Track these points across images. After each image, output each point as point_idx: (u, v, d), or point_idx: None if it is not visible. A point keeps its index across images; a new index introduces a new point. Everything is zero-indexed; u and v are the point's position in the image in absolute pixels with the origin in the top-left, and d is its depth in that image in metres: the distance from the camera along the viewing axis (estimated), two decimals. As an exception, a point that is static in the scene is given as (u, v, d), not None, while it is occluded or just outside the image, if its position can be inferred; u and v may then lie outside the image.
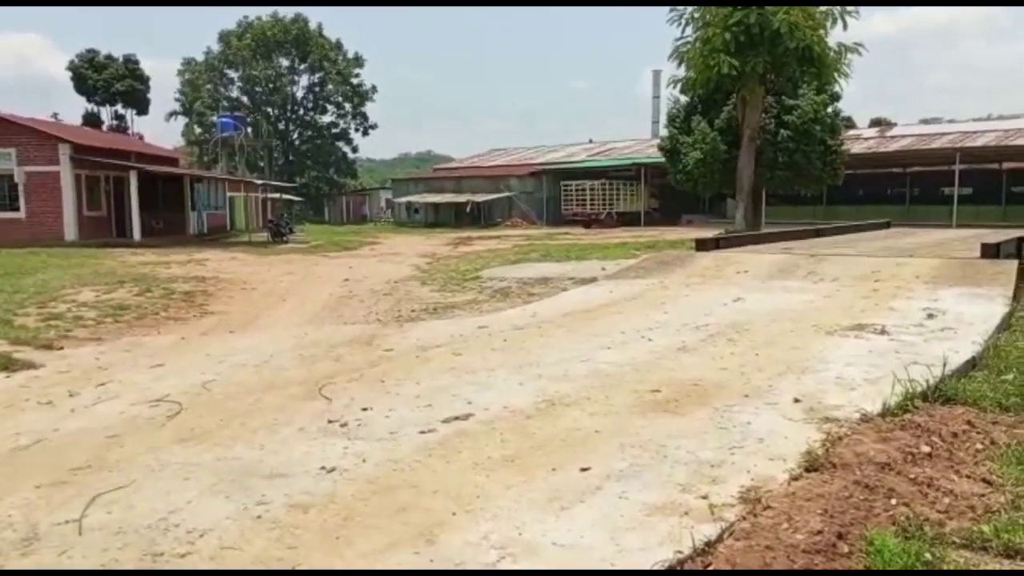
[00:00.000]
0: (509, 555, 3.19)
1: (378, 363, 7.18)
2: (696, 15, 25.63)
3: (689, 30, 25.90)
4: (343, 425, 5.11)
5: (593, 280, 13.70)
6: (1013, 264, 11.35)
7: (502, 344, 7.93)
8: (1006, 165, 38.30)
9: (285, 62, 66.99)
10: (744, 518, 3.45)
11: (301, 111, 68.85)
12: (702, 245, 15.64)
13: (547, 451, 4.49)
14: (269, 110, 67.52)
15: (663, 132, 35.28)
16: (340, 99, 68.01)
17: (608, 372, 6.43)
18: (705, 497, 3.71)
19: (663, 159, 32.78)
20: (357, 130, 69.42)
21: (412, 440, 4.76)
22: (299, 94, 68.33)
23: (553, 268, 16.84)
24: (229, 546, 3.34)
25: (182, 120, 67.50)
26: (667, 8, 26.13)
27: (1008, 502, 3.70)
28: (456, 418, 5.18)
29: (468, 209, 47.86)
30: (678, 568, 3.06)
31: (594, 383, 6.07)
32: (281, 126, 68.21)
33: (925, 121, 52.25)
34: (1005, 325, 8.14)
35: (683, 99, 30.70)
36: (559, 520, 3.52)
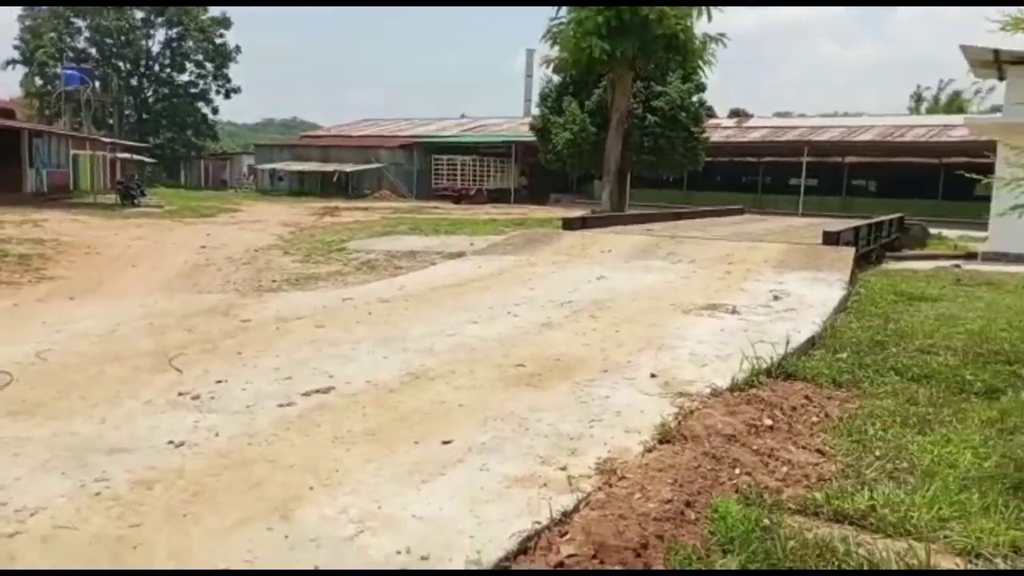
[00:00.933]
0: (368, 529, 3.14)
1: (235, 334, 6.89)
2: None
3: (564, 10, 26.21)
4: (195, 398, 4.87)
5: (461, 255, 13.71)
6: (851, 251, 12.22)
7: (367, 317, 7.80)
8: (848, 159, 41.17)
9: (140, 14, 62.68)
10: (600, 489, 3.55)
11: (157, 67, 64.69)
12: (569, 224, 15.94)
13: (410, 424, 4.45)
14: (121, 64, 63.11)
15: (535, 111, 35.61)
16: (200, 57, 64.40)
17: (474, 346, 6.45)
18: (564, 469, 3.79)
19: (534, 138, 33.13)
20: (219, 92, 66.02)
21: (269, 414, 4.60)
22: (155, 49, 64.21)
23: (421, 242, 16.72)
24: (63, 525, 3.12)
25: (21, 70, 62.02)
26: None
27: (838, 471, 3.99)
28: (317, 391, 5.05)
29: (335, 179, 46.66)
30: (533, 534, 3.10)
31: (460, 357, 6.07)
32: (134, 82, 63.92)
33: (779, 114, 55.24)
34: (842, 307, 8.77)
35: (556, 79, 31.07)
36: (420, 493, 3.50)
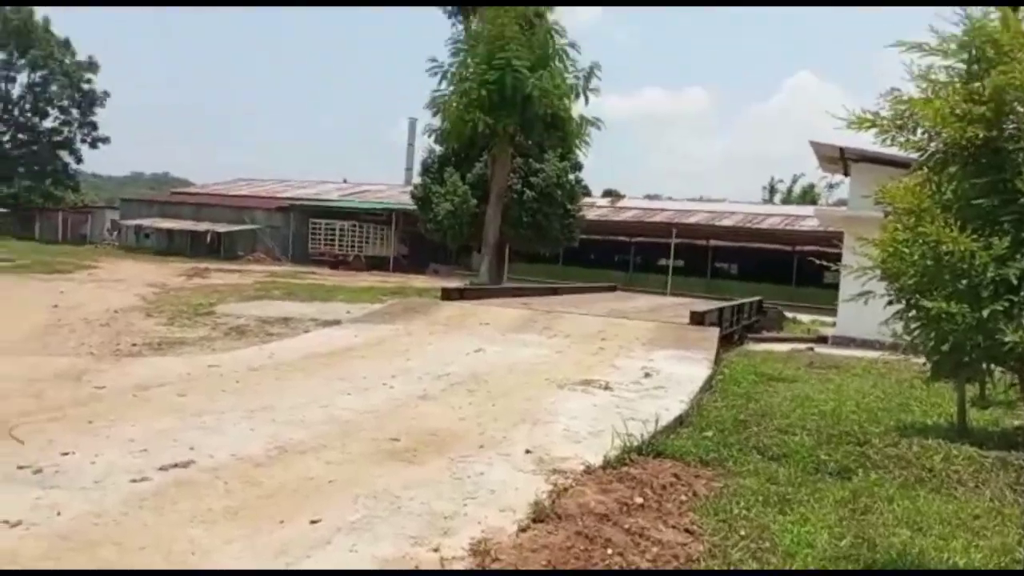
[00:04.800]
0: (225, 619, 2.94)
1: (87, 402, 6.43)
2: (454, 70, 26.61)
3: (446, 83, 26.78)
4: (36, 471, 4.49)
5: (337, 323, 13.42)
6: (715, 332, 12.80)
7: (234, 386, 7.47)
8: (712, 242, 43.46)
9: (0, 55, 59.30)
10: (473, 571, 3.48)
11: (17, 112, 61.06)
12: (447, 294, 15.96)
13: (276, 502, 4.25)
14: (-24, 109, 59.16)
15: (416, 180, 35.90)
16: (66, 103, 61.27)
17: (347, 419, 6.28)
18: (436, 550, 3.70)
19: (415, 206, 33.30)
20: (84, 140, 62.79)
21: (121, 489, 4.28)
22: (15, 92, 60.65)
23: (296, 308, 16.28)
24: None
25: None
26: (427, 60, 26.86)
27: (706, 551, 4.08)
28: (175, 465, 4.76)
29: (208, 239, 45.01)
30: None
31: (331, 430, 5.88)
32: (-10, 127, 59.96)
33: (649, 196, 57.92)
34: (707, 386, 9.11)
35: (438, 150, 31.55)
36: (284, 578, 3.32)
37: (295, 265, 40.28)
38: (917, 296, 6.00)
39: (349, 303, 17.73)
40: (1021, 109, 5.64)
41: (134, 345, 10.66)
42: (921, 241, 5.83)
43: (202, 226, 45.65)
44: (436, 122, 28.03)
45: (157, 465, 4.72)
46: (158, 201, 53.43)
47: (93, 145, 62.86)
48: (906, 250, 6.02)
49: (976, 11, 5.59)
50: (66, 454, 4.83)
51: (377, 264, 41.79)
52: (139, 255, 41.32)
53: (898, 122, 5.97)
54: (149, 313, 14.49)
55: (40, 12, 58.63)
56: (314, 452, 5.25)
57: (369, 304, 17.12)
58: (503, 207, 28.19)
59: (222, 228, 45.25)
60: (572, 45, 27.41)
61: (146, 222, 48.21)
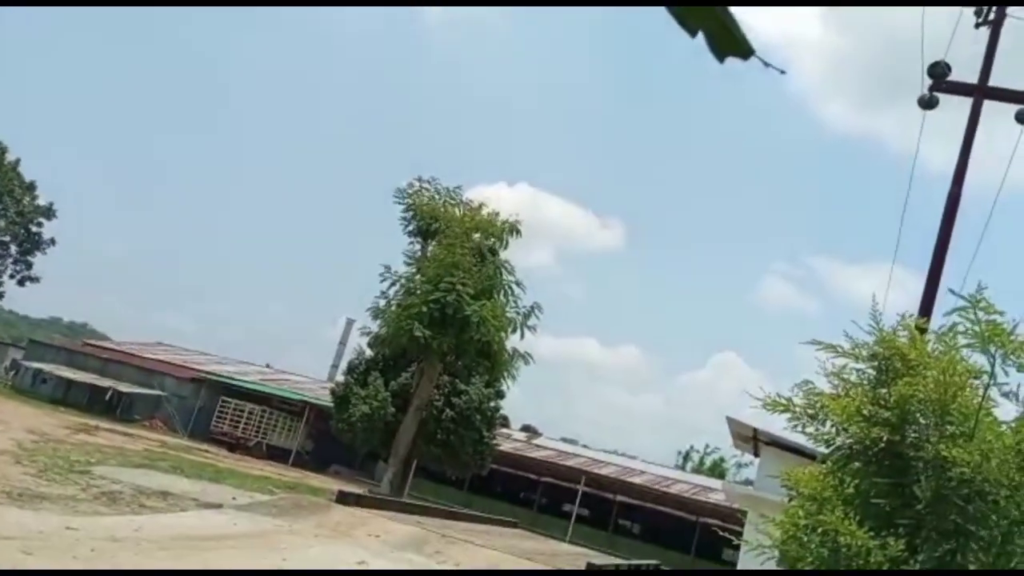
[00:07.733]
0: None
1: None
2: (403, 282, 27.31)
3: (394, 289, 27.33)
4: None
5: (219, 507, 12.60)
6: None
7: (87, 554, 6.80)
8: (618, 497, 43.02)
9: (-38, 197, 58.63)
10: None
11: (-47, 242, 59.41)
12: (343, 498, 15.23)
13: None
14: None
15: (339, 378, 35.49)
16: (7, 239, 60.07)
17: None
18: None
19: (331, 404, 32.64)
20: (13, 276, 60.93)
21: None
22: (-40, 228, 59.25)
23: (179, 483, 15.30)
24: None
25: None
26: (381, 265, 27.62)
27: None
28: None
29: (108, 396, 42.85)
30: None
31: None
32: (-89, 249, 57.96)
33: (565, 440, 57.92)
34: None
35: (368, 353, 31.53)
36: None
37: (192, 440, 38.34)
38: (814, 584, 5.95)
39: (237, 489, 16.77)
40: (923, 420, 5.98)
41: (-10, 490, 9.76)
42: (821, 529, 5.89)
43: (105, 382, 43.57)
44: (374, 326, 28.28)
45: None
46: (66, 348, 51.38)
47: (21, 283, 60.92)
48: (804, 537, 6.06)
49: (887, 326, 6.09)
50: None
51: (278, 455, 40.03)
52: (31, 400, 38.98)
53: (810, 411, 6.28)
54: (19, 460, 13.41)
55: (13, 154, 58.57)
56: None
57: (258, 494, 16.21)
58: (420, 421, 27.84)
59: (125, 388, 43.27)
60: (518, 283, 28.65)
61: (47, 367, 45.89)
